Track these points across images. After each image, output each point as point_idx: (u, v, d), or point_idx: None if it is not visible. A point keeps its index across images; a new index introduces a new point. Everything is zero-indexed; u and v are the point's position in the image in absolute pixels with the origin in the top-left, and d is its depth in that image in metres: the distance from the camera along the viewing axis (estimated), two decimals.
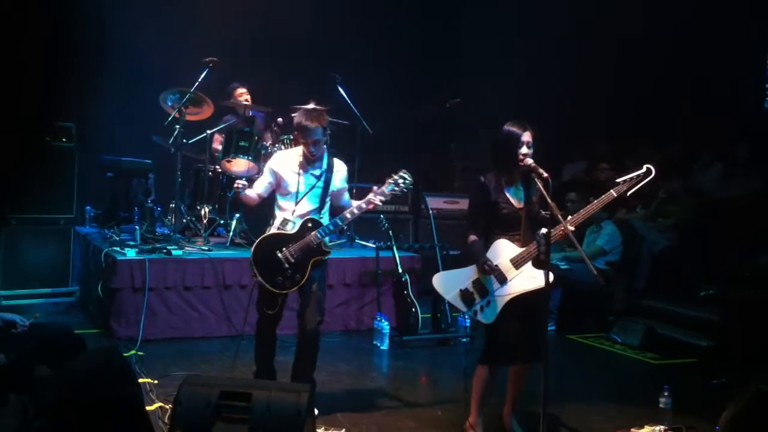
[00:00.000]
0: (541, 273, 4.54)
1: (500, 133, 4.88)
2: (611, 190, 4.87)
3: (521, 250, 4.79)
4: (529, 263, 4.76)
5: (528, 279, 4.71)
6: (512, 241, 4.83)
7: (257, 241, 5.26)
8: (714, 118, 9.97)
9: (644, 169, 4.84)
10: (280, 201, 5.30)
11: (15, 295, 7.71)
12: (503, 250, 4.81)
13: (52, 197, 8.13)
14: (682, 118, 10.24)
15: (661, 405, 5.33)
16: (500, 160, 4.89)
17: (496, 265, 4.77)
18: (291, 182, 5.25)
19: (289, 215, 5.25)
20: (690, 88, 10.22)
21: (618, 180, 4.92)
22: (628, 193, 4.91)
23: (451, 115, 11.34)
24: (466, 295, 4.83)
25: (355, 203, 5.32)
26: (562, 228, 4.60)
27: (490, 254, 4.81)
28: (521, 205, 4.87)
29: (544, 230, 4.41)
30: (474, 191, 4.98)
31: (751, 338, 6.67)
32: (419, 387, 6.33)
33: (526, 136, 4.79)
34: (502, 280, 4.77)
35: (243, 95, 8.75)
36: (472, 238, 4.88)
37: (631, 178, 4.86)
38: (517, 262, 4.77)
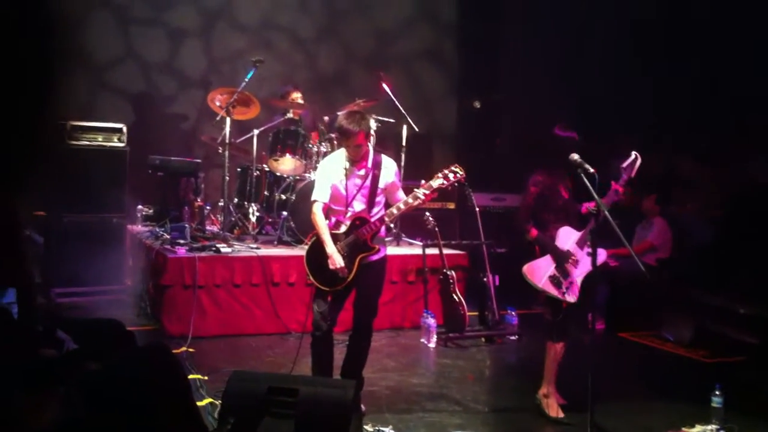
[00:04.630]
0: (598, 251, 4.91)
1: (554, 136, 5.30)
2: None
3: (580, 233, 5.33)
4: (588, 244, 5.25)
5: (591, 259, 5.08)
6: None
7: (310, 243, 5.32)
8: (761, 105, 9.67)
9: (633, 156, 5.25)
10: (332, 206, 5.31)
11: (69, 292, 7.90)
12: (569, 236, 5.34)
13: (105, 197, 8.30)
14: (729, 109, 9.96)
15: (713, 404, 5.23)
16: (553, 161, 5.27)
17: (568, 251, 5.31)
18: (339, 188, 5.26)
19: (341, 217, 5.27)
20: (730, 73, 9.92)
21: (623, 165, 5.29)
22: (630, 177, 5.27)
23: (497, 111, 11.29)
24: (555, 280, 5.31)
25: (401, 198, 5.31)
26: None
27: (559, 241, 5.34)
28: (570, 198, 5.37)
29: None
30: (529, 187, 5.41)
31: None
32: (466, 385, 6.30)
33: (580, 143, 5.19)
34: (575, 262, 5.30)
35: (297, 99, 8.90)
36: (535, 231, 5.38)
37: (625, 168, 5.25)
38: (581, 244, 5.32)
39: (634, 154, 5.28)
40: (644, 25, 9.84)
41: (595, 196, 4.74)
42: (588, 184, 4.76)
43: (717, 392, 5.24)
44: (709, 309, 8.06)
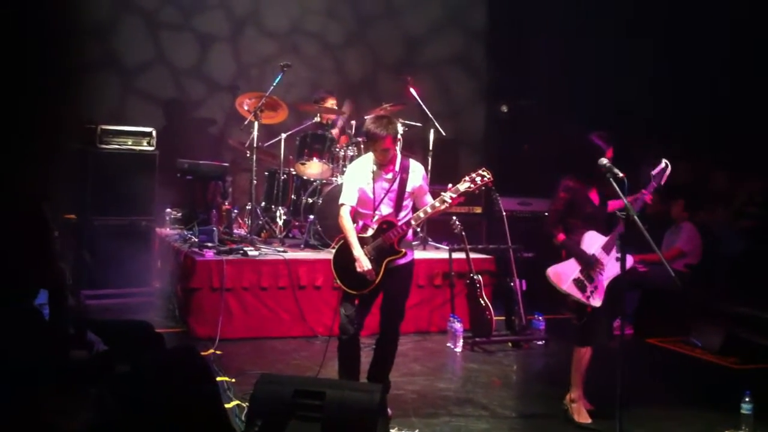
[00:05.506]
0: (626, 256, 4.85)
1: (586, 141, 5.30)
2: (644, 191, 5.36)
3: (607, 237, 5.33)
4: (615, 249, 5.27)
5: (618, 263, 5.02)
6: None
7: (337, 246, 5.33)
8: None
9: (663, 164, 5.35)
10: (360, 209, 5.33)
11: (98, 294, 7.98)
12: (594, 240, 5.33)
13: (135, 200, 8.38)
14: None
15: (742, 411, 5.19)
16: (582, 167, 5.31)
17: (593, 255, 5.30)
18: (366, 192, 5.27)
19: (369, 221, 5.28)
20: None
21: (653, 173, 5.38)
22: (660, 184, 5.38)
23: (525, 116, 11.25)
24: (579, 283, 5.31)
25: (429, 202, 5.31)
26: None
27: (584, 245, 5.33)
28: (600, 205, 5.41)
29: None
30: (559, 192, 5.42)
31: None
32: (493, 390, 6.29)
33: (610, 152, 5.19)
34: (601, 267, 5.28)
35: (332, 105, 8.99)
36: (562, 236, 5.38)
37: (655, 175, 5.35)
38: (607, 249, 5.31)
39: (664, 161, 5.32)
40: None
41: (625, 200, 4.72)
42: (617, 189, 4.76)
43: (746, 399, 5.19)
44: (739, 316, 7.98)
